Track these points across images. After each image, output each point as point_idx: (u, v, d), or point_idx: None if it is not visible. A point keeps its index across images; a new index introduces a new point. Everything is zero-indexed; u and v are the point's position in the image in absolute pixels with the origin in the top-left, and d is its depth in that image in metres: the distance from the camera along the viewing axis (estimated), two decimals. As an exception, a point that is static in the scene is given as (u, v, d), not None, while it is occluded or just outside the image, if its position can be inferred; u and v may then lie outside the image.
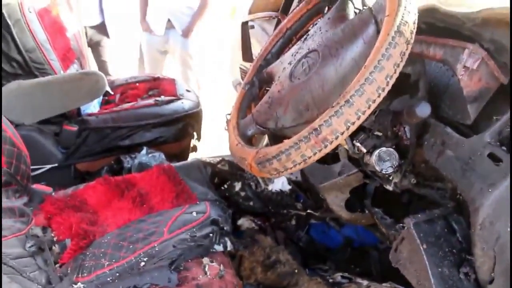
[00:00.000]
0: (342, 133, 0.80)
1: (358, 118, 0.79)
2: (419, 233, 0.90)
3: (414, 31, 0.83)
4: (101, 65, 3.55)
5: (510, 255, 0.80)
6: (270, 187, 1.74)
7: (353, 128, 0.80)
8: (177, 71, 3.55)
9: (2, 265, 1.06)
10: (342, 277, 1.42)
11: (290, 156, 0.84)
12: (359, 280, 1.39)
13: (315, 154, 0.82)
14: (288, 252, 1.46)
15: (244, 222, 1.64)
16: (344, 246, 1.65)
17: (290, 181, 1.76)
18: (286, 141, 0.85)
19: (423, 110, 0.87)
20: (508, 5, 0.81)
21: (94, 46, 3.48)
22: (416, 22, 0.85)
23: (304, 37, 1.13)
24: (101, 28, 3.39)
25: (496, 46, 0.86)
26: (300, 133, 0.83)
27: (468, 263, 0.88)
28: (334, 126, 0.79)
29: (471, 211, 0.83)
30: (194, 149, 2.34)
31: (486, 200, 0.80)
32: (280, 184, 1.76)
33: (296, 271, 1.40)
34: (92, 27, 3.36)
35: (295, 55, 1.08)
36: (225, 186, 1.67)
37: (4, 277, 1.05)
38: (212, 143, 2.74)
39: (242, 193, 1.63)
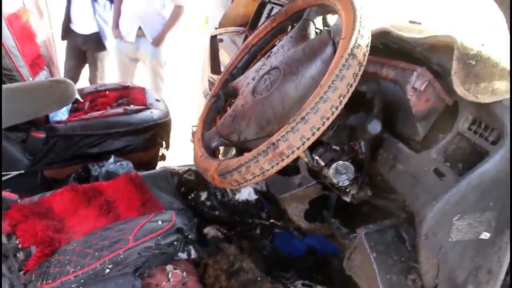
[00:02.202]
0: (298, 148, 0.84)
1: (313, 134, 0.84)
2: (369, 242, 0.95)
3: (367, 53, 0.89)
4: (93, 73, 3.56)
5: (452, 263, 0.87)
6: (237, 197, 1.78)
7: (308, 143, 0.85)
8: (147, 80, 3.56)
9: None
10: (303, 284, 1.46)
11: (250, 168, 0.88)
12: (319, 287, 1.44)
13: (272, 167, 0.87)
14: (252, 260, 1.49)
15: (210, 231, 1.67)
16: (307, 255, 1.70)
17: (256, 191, 1.80)
18: (246, 154, 0.90)
19: (374, 127, 0.94)
20: (450, 34, 0.88)
21: (88, 54, 3.50)
22: (369, 45, 0.91)
23: (268, 54, 1.18)
24: (95, 39, 3.42)
25: (442, 69, 0.93)
26: (259, 147, 0.88)
27: (416, 270, 0.94)
28: (291, 141, 0.84)
29: (417, 222, 0.89)
30: (163, 158, 2.35)
31: (429, 212, 0.86)
32: (246, 194, 1.80)
33: (259, 278, 1.44)
34: (85, 36, 3.38)
35: (258, 71, 1.13)
36: (192, 195, 1.70)
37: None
38: (182, 153, 2.76)
39: (208, 203, 1.66)
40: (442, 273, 0.89)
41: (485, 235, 0.86)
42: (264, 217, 1.72)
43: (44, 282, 1.14)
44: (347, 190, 1.09)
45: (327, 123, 0.84)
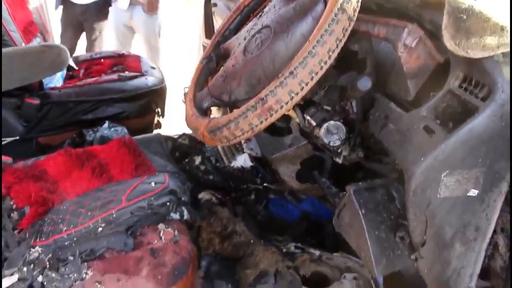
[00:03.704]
0: (287, 103, 0.84)
1: (302, 89, 0.84)
2: (358, 199, 0.96)
3: (358, 9, 0.88)
4: (91, 43, 3.51)
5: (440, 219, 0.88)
6: (232, 164, 1.79)
7: (296, 98, 0.84)
8: (143, 48, 3.53)
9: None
10: (296, 247, 1.48)
11: (239, 124, 0.89)
12: (311, 250, 1.45)
13: (261, 122, 0.87)
14: (244, 224, 1.51)
15: (204, 196, 1.68)
16: (301, 219, 1.71)
17: (251, 158, 1.80)
18: (235, 110, 0.90)
19: (364, 84, 0.93)
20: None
21: (86, 24, 3.44)
22: (360, 0, 0.90)
23: (259, 14, 1.17)
24: (95, 8, 3.35)
25: (434, 26, 0.92)
26: (248, 103, 0.87)
27: (404, 227, 0.95)
28: (279, 96, 0.84)
29: (406, 180, 0.89)
30: (158, 125, 2.35)
31: (418, 168, 0.86)
32: (242, 161, 1.80)
33: (251, 241, 1.45)
34: (84, 6, 3.31)
35: (250, 31, 1.12)
36: (186, 160, 1.71)
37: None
38: (178, 122, 2.75)
39: (202, 167, 1.67)
40: (430, 229, 0.89)
41: (473, 192, 0.86)
42: (258, 182, 1.73)
43: (38, 239, 1.15)
44: (339, 151, 1.09)
45: (316, 78, 0.84)
